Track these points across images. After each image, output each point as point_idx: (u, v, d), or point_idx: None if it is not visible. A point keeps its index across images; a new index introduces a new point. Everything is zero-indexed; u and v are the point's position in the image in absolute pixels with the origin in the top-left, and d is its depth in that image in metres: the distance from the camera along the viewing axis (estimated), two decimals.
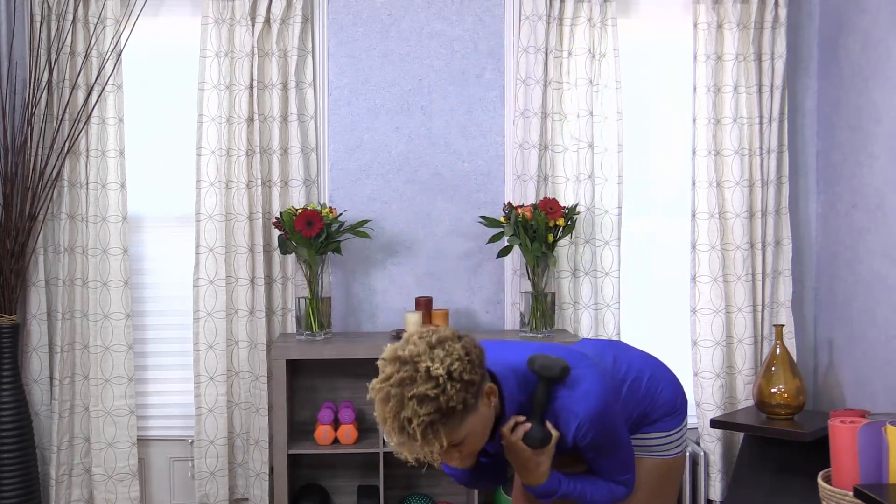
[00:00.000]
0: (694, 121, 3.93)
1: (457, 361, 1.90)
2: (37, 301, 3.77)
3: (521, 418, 2.06)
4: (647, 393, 2.28)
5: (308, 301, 3.68)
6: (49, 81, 3.71)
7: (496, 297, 3.97)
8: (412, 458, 1.94)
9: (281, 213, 3.66)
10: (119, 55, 3.75)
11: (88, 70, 3.76)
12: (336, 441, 3.66)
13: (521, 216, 3.65)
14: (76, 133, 3.75)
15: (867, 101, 3.65)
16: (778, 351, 3.61)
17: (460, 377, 1.89)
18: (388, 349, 1.95)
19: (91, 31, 3.75)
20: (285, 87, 3.84)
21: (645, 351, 2.48)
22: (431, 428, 1.88)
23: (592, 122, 3.88)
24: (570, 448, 2.12)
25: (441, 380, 1.88)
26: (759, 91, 3.94)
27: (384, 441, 3.63)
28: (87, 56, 3.74)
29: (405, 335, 1.97)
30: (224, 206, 3.81)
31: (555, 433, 2.06)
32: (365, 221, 3.76)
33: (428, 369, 1.88)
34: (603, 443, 2.10)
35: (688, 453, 3.89)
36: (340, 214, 3.84)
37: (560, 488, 2.12)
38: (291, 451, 3.58)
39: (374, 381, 1.93)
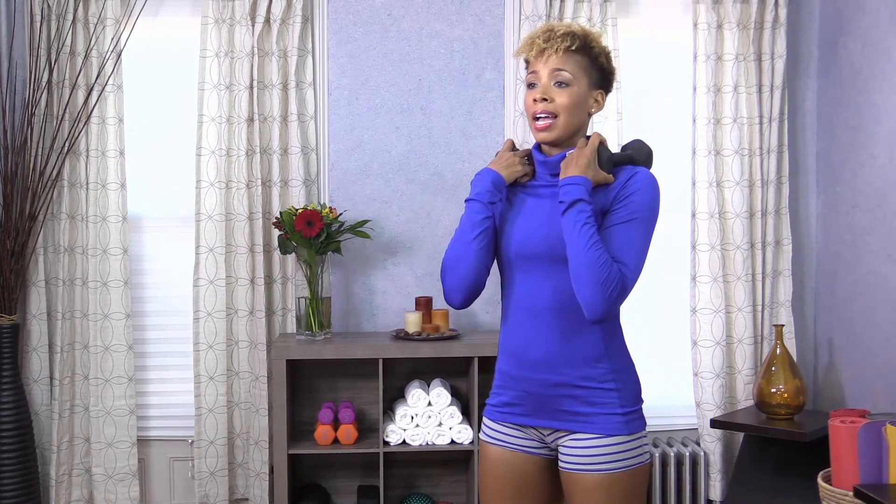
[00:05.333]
0: (694, 121, 3.93)
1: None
2: (37, 301, 3.77)
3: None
4: (619, 370, 2.23)
5: (308, 301, 3.68)
6: (49, 81, 3.71)
7: (496, 296, 3.97)
8: (540, 49, 2.20)
9: (281, 213, 3.66)
10: (119, 55, 3.75)
11: (88, 70, 3.76)
12: (336, 441, 3.67)
13: None
14: (76, 133, 3.75)
15: (867, 101, 3.65)
16: (778, 351, 3.61)
17: (608, 50, 2.28)
18: None
19: (91, 31, 3.75)
20: (285, 87, 3.84)
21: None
22: (572, 37, 2.20)
23: (592, 122, 3.88)
24: (608, 204, 2.18)
25: (599, 35, 2.28)
26: (759, 91, 3.94)
27: (384, 441, 3.63)
28: (87, 56, 3.74)
29: None
30: (224, 206, 3.81)
31: (610, 177, 2.20)
32: (365, 221, 3.76)
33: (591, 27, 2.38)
34: (640, 206, 2.16)
35: (687, 454, 3.89)
36: (340, 214, 3.85)
37: (588, 197, 2.14)
38: (291, 451, 3.58)
39: None
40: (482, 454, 2.36)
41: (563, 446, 2.24)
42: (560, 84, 2.19)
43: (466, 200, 2.29)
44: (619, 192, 2.18)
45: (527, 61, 2.27)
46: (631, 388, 2.25)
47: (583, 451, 2.20)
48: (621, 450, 2.20)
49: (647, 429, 4.03)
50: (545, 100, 2.20)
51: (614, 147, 3.83)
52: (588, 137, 2.25)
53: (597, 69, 2.24)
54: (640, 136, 4.05)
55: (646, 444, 2.26)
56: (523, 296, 2.26)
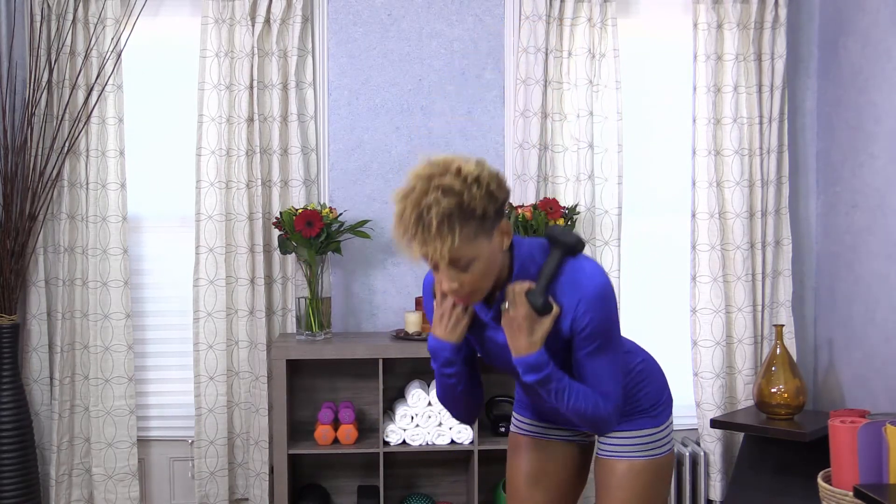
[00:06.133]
0: (694, 121, 3.93)
1: (487, 172, 1.94)
2: (37, 301, 3.77)
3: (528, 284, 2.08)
4: (640, 373, 2.27)
5: (308, 301, 3.68)
6: (49, 81, 3.71)
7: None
8: (420, 254, 1.92)
9: (281, 213, 3.66)
10: (119, 55, 3.76)
11: (88, 70, 3.76)
12: (336, 441, 3.67)
13: (521, 216, 3.65)
14: (76, 133, 3.75)
15: (867, 101, 3.65)
16: (778, 351, 3.61)
17: (487, 185, 1.92)
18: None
19: (91, 31, 3.75)
20: (285, 87, 3.84)
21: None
22: (448, 220, 1.88)
23: (592, 122, 3.88)
24: (566, 334, 2.07)
25: (469, 179, 1.90)
26: (759, 91, 3.94)
27: (384, 441, 3.63)
28: (87, 56, 3.74)
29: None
30: (224, 207, 3.81)
31: (556, 308, 2.04)
32: (365, 221, 3.76)
33: (459, 168, 1.92)
34: (599, 332, 2.05)
35: (687, 453, 3.89)
36: (340, 214, 3.85)
37: (549, 368, 2.04)
38: (291, 451, 3.58)
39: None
40: (513, 443, 2.42)
41: (599, 436, 2.33)
42: (462, 269, 1.96)
43: (434, 369, 2.22)
44: (574, 325, 2.06)
45: None
46: (653, 385, 2.30)
47: (616, 441, 2.28)
48: (650, 440, 2.28)
49: None
50: (456, 286, 1.99)
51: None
52: (516, 275, 2.07)
53: (488, 217, 1.94)
54: (639, 136, 4.05)
55: (672, 433, 2.33)
56: (520, 381, 2.30)
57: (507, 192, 1.99)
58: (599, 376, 2.10)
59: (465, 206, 1.89)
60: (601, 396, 2.10)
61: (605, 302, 2.04)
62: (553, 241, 2.06)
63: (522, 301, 2.02)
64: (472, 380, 2.24)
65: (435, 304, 2.13)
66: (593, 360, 2.09)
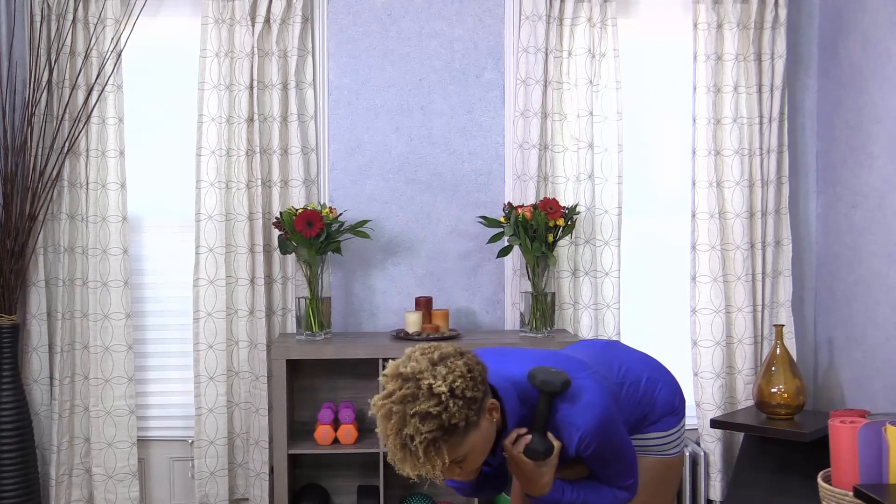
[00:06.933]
0: (694, 121, 3.93)
1: (459, 378, 1.92)
2: (37, 301, 3.77)
3: (523, 430, 2.08)
4: (645, 394, 2.31)
5: (308, 301, 3.68)
6: (49, 81, 3.71)
7: (496, 296, 3.97)
8: (413, 475, 1.94)
9: (281, 213, 3.66)
10: (119, 55, 3.75)
11: (88, 70, 3.76)
12: (336, 441, 3.66)
13: (521, 216, 3.65)
14: (76, 133, 3.75)
15: (867, 101, 3.65)
16: (778, 351, 3.61)
17: (462, 394, 1.91)
18: (391, 365, 1.96)
19: (91, 31, 3.75)
20: (285, 87, 3.84)
21: (643, 352, 2.51)
22: (434, 445, 1.89)
23: (592, 122, 3.88)
24: (572, 458, 2.14)
25: (443, 397, 1.89)
26: (759, 91, 3.94)
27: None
28: (87, 56, 3.74)
29: (407, 351, 1.99)
30: (224, 207, 3.81)
31: (556, 444, 2.07)
32: (365, 221, 3.76)
33: (430, 387, 1.89)
34: (605, 452, 2.12)
35: (687, 454, 3.89)
36: (340, 214, 3.85)
37: (564, 497, 2.13)
38: (291, 451, 3.58)
39: (376, 397, 1.94)
40: None
41: None
42: (459, 463, 2.00)
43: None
44: (579, 453, 2.10)
45: None
46: (662, 396, 2.35)
47: None
48: (660, 442, 2.35)
49: None
50: (458, 472, 2.04)
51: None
52: (511, 429, 2.10)
53: (472, 421, 1.94)
54: (639, 136, 4.05)
55: (681, 438, 2.39)
56: None
57: (484, 385, 1.96)
58: (613, 475, 2.18)
59: (446, 425, 1.89)
60: (618, 489, 2.19)
61: (604, 429, 2.09)
62: (539, 390, 2.08)
63: (523, 460, 2.06)
64: (498, 480, 2.29)
65: None
66: (605, 466, 2.16)
